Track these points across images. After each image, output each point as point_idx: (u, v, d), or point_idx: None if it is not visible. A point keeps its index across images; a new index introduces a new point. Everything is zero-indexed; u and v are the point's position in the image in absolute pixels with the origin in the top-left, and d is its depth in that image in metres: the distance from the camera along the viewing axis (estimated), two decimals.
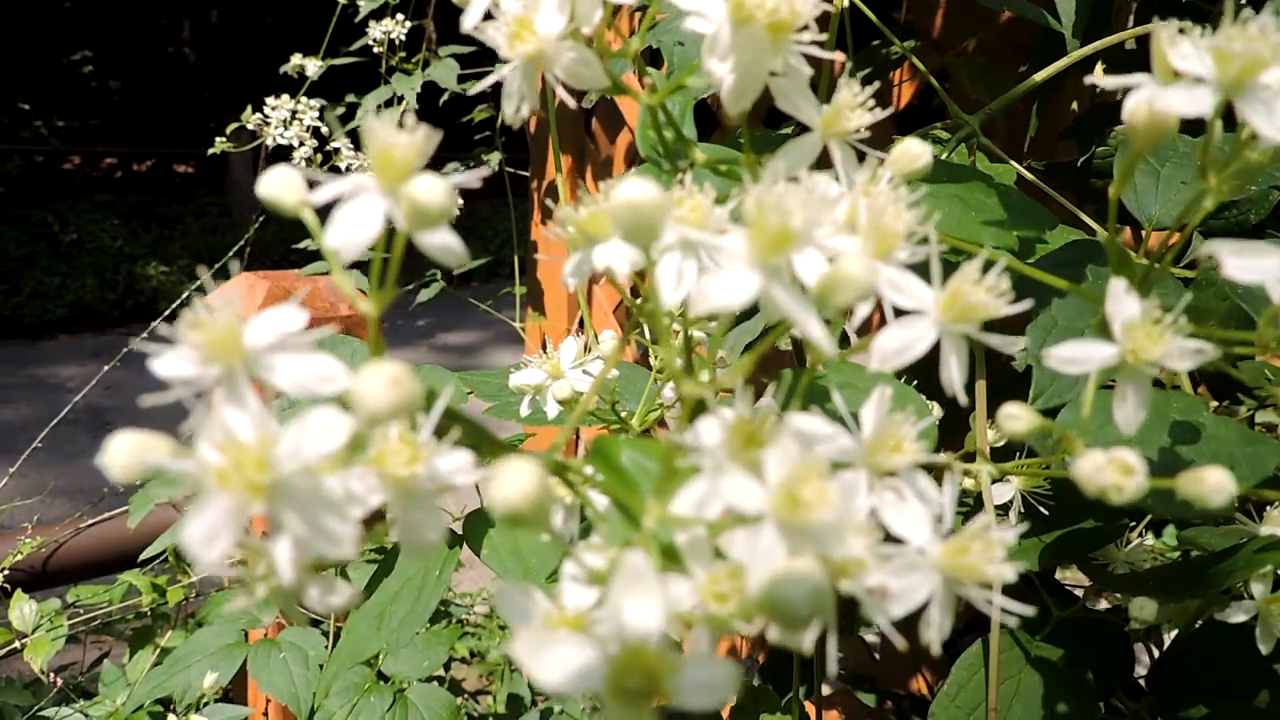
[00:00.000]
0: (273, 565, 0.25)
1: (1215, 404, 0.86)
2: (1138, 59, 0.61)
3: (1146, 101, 0.28)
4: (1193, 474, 0.28)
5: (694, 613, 0.22)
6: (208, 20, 10.68)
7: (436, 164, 0.26)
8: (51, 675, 1.81)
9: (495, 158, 2.14)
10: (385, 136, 0.23)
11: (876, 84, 0.32)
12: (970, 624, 0.94)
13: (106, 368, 2.40)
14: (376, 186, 0.24)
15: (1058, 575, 0.85)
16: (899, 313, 0.28)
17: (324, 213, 0.25)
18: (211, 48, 10.60)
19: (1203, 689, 0.53)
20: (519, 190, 1.99)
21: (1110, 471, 0.27)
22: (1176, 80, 0.29)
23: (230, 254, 2.57)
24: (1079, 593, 0.67)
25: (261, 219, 2.79)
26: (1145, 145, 0.29)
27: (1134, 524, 0.60)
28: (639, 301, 0.32)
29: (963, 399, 0.27)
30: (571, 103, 0.30)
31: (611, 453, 0.29)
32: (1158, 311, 0.28)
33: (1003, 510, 0.56)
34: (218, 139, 2.14)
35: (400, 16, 2.04)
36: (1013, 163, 0.73)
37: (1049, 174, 0.94)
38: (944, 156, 0.71)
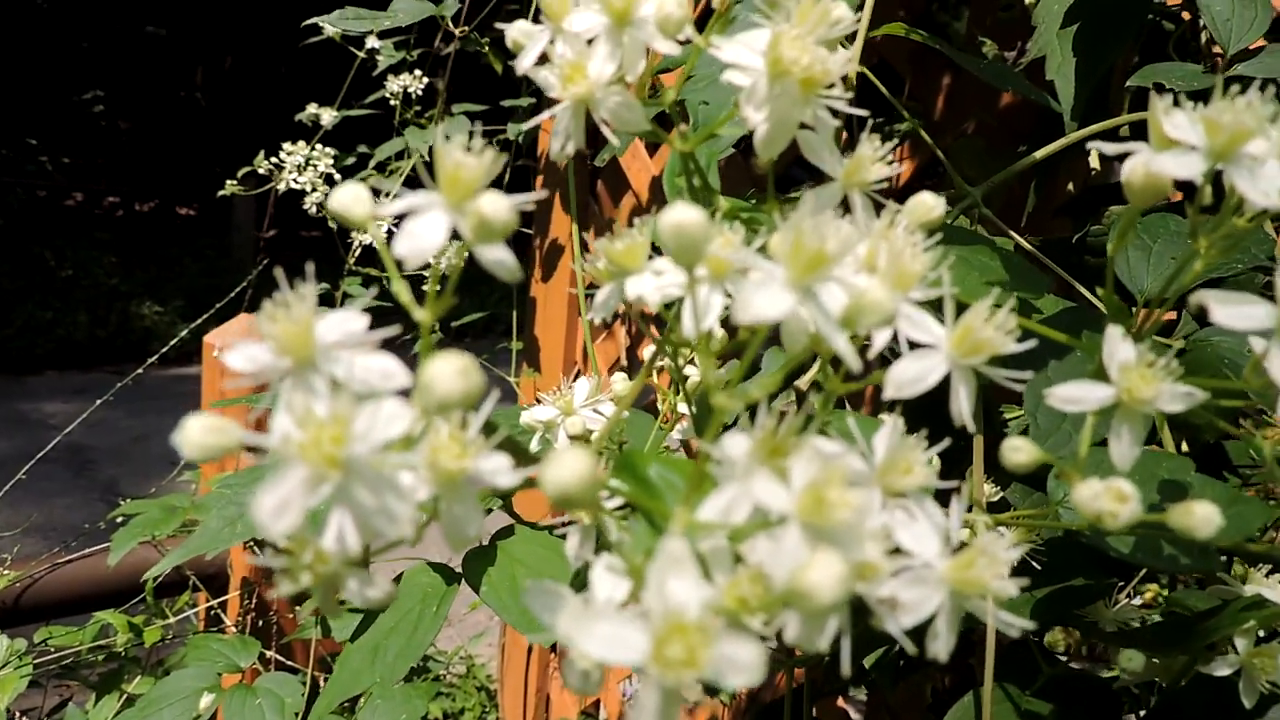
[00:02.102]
0: (320, 554, 0.27)
1: None
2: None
3: (1143, 164, 0.31)
4: (1182, 506, 0.30)
5: (720, 604, 0.24)
6: (221, 67, 10.87)
7: None
8: (17, 714, 1.77)
9: None
10: (455, 157, 0.26)
11: (894, 141, 0.35)
12: (960, 682, 0.95)
13: (98, 402, 2.40)
14: (442, 202, 0.26)
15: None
16: (913, 346, 0.30)
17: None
18: (224, 94, 10.77)
19: None
20: (519, 248, 2.02)
21: (1106, 498, 0.29)
22: (1171, 147, 0.31)
23: (230, 295, 2.59)
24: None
25: (265, 263, 2.82)
26: (1141, 204, 0.32)
27: (1122, 584, 0.61)
28: (665, 331, 0.34)
29: (971, 428, 0.29)
30: (616, 141, 0.33)
31: (638, 466, 0.30)
32: (1151, 356, 0.31)
33: None
34: (228, 181, 2.18)
35: (418, 72, 2.09)
36: (1012, 233, 0.76)
37: (1044, 249, 0.97)
38: (949, 222, 0.74)
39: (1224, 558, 0.58)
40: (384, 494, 0.22)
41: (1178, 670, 0.53)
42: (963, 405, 0.29)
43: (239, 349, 0.25)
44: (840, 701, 1.44)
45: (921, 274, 0.30)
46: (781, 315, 0.24)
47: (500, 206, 0.25)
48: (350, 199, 0.28)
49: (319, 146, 2.02)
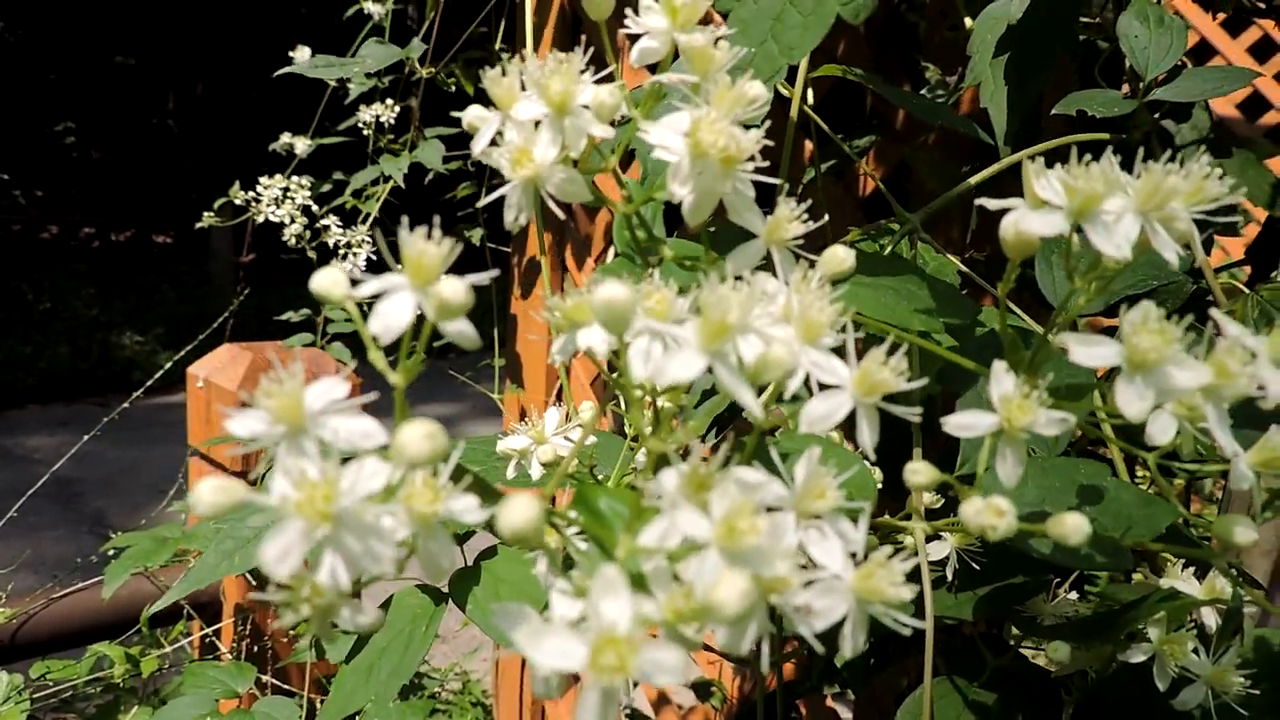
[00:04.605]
0: (315, 588, 0.31)
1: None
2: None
3: (1013, 223, 0.36)
4: (1056, 518, 0.35)
5: (656, 619, 0.28)
6: (192, 93, 10.87)
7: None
8: None
9: (477, 234, 2.22)
10: (418, 246, 0.30)
11: (809, 203, 0.40)
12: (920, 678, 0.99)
13: (85, 436, 2.42)
14: (409, 285, 0.31)
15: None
16: (823, 387, 0.35)
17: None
18: (195, 121, 10.77)
19: None
20: (499, 265, 2.06)
21: (987, 513, 0.34)
22: (1041, 206, 0.36)
23: (213, 325, 2.62)
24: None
25: (246, 291, 2.85)
26: (1016, 257, 0.37)
27: (1059, 580, 0.66)
28: (615, 376, 0.39)
29: (872, 457, 0.34)
30: (561, 215, 0.38)
31: (591, 499, 0.35)
32: (1027, 388, 0.36)
33: (939, 565, 0.63)
34: (206, 214, 2.21)
35: (389, 101, 2.13)
36: (950, 257, 0.82)
37: (989, 265, 1.03)
38: (889, 249, 0.79)
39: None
40: (369, 539, 0.27)
41: (1105, 659, 0.58)
42: (865, 438, 0.34)
43: (239, 419, 0.30)
44: (829, 701, 1.49)
45: (829, 323, 0.35)
46: (692, 378, 0.29)
47: (458, 289, 0.30)
48: (329, 282, 0.32)
49: (295, 178, 2.06)
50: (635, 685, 1.91)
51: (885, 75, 1.45)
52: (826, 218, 1.00)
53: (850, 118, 1.51)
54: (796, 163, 1.34)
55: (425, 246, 0.30)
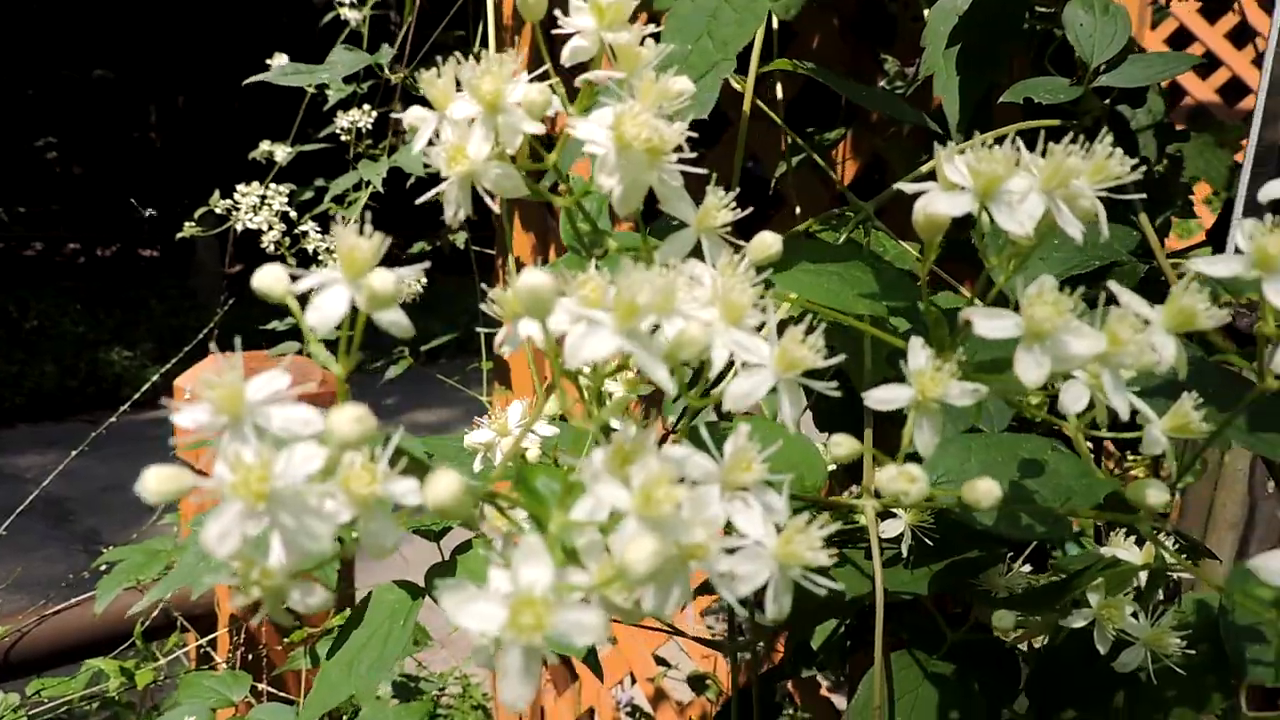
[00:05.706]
0: (265, 570, 0.33)
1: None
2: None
3: (923, 206, 0.38)
4: (969, 483, 0.37)
5: (584, 586, 0.30)
6: (174, 106, 10.84)
7: (405, 243, 0.34)
8: None
9: (461, 237, 2.22)
10: (350, 241, 0.32)
11: (737, 190, 0.42)
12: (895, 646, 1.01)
13: (73, 454, 2.42)
14: (342, 278, 0.33)
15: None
16: (746, 366, 0.36)
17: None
18: (178, 133, 10.74)
19: (1068, 693, 0.61)
20: (485, 267, 2.07)
21: (900, 480, 0.35)
22: (953, 189, 0.38)
23: (198, 338, 2.63)
24: None
25: (231, 302, 2.86)
26: (928, 237, 0.38)
27: (1013, 554, 0.68)
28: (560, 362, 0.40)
29: (792, 430, 0.36)
30: (497, 209, 0.39)
31: (530, 479, 0.37)
32: (939, 361, 0.37)
33: (894, 542, 0.65)
34: (186, 224, 2.22)
35: (367, 106, 2.14)
36: (906, 245, 0.84)
37: (948, 249, 1.05)
38: (843, 237, 0.81)
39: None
40: (305, 517, 0.29)
41: (1052, 626, 0.60)
42: (786, 412, 0.36)
43: (184, 411, 0.31)
44: (824, 691, 1.51)
45: (750, 305, 0.37)
46: (604, 357, 0.31)
47: (387, 280, 0.31)
48: (270, 280, 0.34)
49: (273, 185, 2.07)
50: (634, 683, 1.93)
51: (862, 68, 1.47)
52: (797, 209, 1.02)
53: (827, 109, 1.52)
54: (771, 154, 1.35)
55: (357, 241, 0.32)
